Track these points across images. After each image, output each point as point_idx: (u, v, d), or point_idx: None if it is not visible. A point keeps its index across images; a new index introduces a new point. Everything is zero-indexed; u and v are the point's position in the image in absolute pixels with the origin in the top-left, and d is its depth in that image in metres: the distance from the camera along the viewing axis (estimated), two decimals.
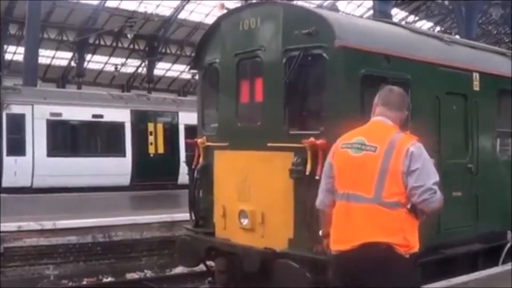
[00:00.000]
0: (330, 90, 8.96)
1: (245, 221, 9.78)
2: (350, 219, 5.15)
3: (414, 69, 9.61)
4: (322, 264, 8.59)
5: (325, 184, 5.59)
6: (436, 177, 5.14)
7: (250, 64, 10.27)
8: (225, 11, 11.22)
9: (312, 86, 9.67)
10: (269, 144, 9.42)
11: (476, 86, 10.95)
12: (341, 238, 5.22)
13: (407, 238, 5.05)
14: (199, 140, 10.94)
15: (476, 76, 10.94)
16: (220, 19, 11.04)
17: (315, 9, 10.02)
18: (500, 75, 11.57)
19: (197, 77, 46.94)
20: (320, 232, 5.90)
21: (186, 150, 26.50)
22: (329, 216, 5.49)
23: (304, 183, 8.70)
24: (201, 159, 10.91)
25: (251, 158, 9.86)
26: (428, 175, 5.08)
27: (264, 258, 9.19)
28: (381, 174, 5.09)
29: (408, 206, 5.09)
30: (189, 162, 11.18)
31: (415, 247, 5.13)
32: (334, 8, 9.99)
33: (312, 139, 8.70)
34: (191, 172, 11.09)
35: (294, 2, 10.36)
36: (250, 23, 10.06)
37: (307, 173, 8.71)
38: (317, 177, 8.56)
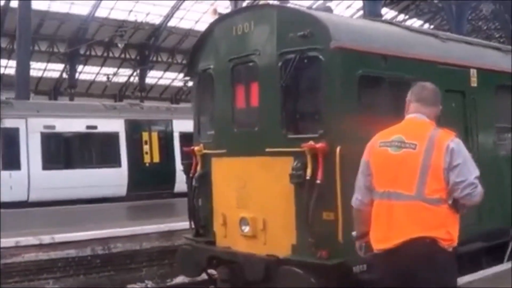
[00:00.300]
0: (327, 92, 8.84)
1: (246, 229, 9.66)
2: (392, 218, 5.17)
3: (411, 68, 9.49)
4: (326, 269, 8.53)
5: (364, 182, 5.56)
6: (476, 172, 5.19)
7: (245, 69, 10.15)
8: (218, 16, 11.07)
9: (309, 89, 9.54)
10: (267, 150, 9.30)
11: (474, 82, 10.86)
12: (384, 236, 5.22)
13: (450, 232, 5.10)
14: (196, 148, 10.80)
15: (473, 72, 10.85)
16: (213, 25, 10.92)
17: (309, 11, 9.90)
18: (497, 71, 11.49)
19: (189, 84, 46.66)
20: (354, 233, 5.84)
21: (182, 159, 26.59)
22: (367, 215, 5.47)
23: (305, 188, 8.59)
24: (198, 167, 10.78)
25: (249, 164, 9.74)
26: (469, 170, 5.13)
27: (267, 265, 9.05)
28: (423, 171, 5.11)
29: (450, 202, 5.12)
30: (187, 171, 11.05)
31: (456, 241, 5.17)
32: (327, 9, 9.84)
33: (311, 142, 8.59)
34: (189, 180, 10.97)
35: (285, 3, 10.26)
36: (244, 27, 9.95)
37: (307, 177, 8.58)
38: (318, 181, 8.48)
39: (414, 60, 9.66)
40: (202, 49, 11.01)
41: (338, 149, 8.38)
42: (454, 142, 5.18)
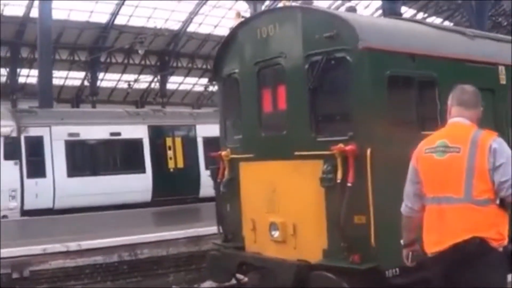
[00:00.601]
0: (355, 93, 8.72)
1: (276, 234, 9.57)
2: (444, 221, 5.26)
3: (440, 67, 9.35)
4: (359, 274, 8.41)
5: (413, 190, 5.65)
6: None
7: (271, 72, 10.06)
8: (241, 19, 11.00)
9: (337, 91, 9.42)
10: (296, 153, 9.21)
11: (503, 79, 10.67)
12: (437, 240, 5.30)
13: (500, 232, 5.16)
14: (223, 153, 10.74)
15: (502, 69, 10.66)
16: (236, 29, 10.84)
17: (335, 12, 9.81)
18: None
19: (210, 88, 46.64)
20: (402, 241, 5.92)
21: (206, 163, 26.64)
22: (417, 222, 5.60)
23: (336, 191, 8.48)
24: (226, 172, 10.71)
25: (278, 168, 9.65)
26: None
27: (299, 270, 8.95)
28: (469, 173, 5.17)
29: (497, 202, 5.17)
30: (214, 176, 10.98)
31: (506, 240, 5.23)
32: (351, 9, 9.77)
33: (341, 145, 8.47)
34: (217, 186, 10.89)
35: (308, 3, 10.16)
36: (268, 30, 9.86)
37: (338, 180, 8.48)
38: (349, 184, 8.37)
39: (442, 58, 9.50)
40: (227, 54, 10.94)
41: (368, 151, 8.27)
42: (496, 142, 5.20)
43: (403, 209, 5.72)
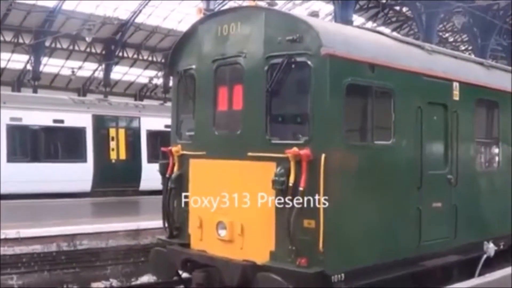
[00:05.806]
0: (314, 99, 8.72)
1: (223, 233, 9.53)
2: None
3: (397, 79, 9.47)
4: (305, 277, 8.43)
5: None
6: None
7: (229, 70, 9.96)
8: (202, 15, 10.88)
9: (296, 94, 9.39)
10: (249, 154, 9.17)
11: (456, 95, 10.87)
12: None
13: None
14: (173, 149, 10.61)
15: (456, 85, 10.85)
16: (197, 24, 10.68)
17: (300, 15, 9.75)
18: (478, 85, 11.53)
19: (154, 81, 46.27)
20: None
21: (148, 156, 26.42)
22: None
23: (288, 195, 8.47)
24: (175, 168, 10.59)
25: (230, 167, 9.60)
26: None
27: (245, 270, 8.94)
28: None
29: None
30: (163, 171, 10.84)
31: None
32: (314, 14, 9.75)
33: (295, 149, 8.48)
34: (165, 181, 10.76)
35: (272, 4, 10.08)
36: (230, 28, 9.79)
37: (290, 184, 8.48)
38: (301, 188, 8.38)
39: (400, 70, 9.63)
40: (185, 48, 10.81)
41: (322, 156, 8.29)
42: None
43: None
